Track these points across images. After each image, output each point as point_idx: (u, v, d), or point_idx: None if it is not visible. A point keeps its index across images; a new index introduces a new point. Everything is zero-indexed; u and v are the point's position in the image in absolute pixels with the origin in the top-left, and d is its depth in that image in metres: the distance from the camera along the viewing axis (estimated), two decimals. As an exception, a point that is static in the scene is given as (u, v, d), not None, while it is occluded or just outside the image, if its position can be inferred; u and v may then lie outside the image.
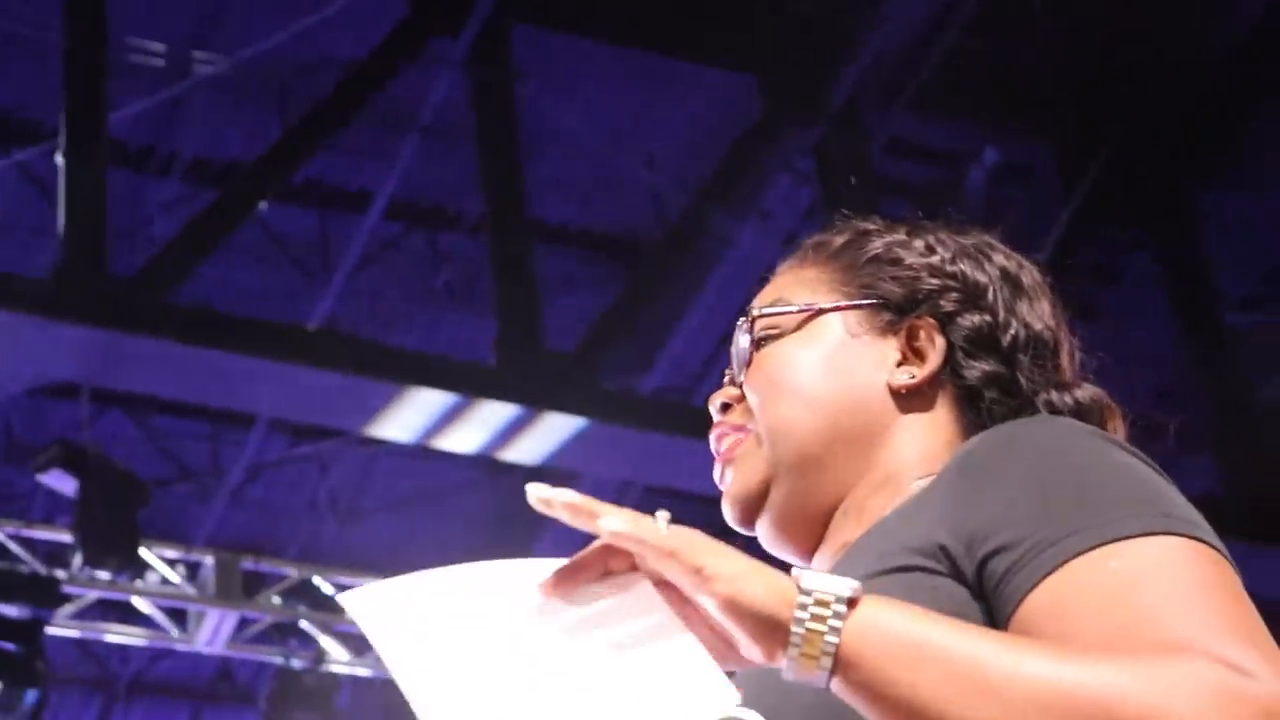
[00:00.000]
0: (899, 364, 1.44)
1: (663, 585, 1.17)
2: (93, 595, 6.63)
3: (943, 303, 1.46)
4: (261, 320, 5.68)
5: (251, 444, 7.29)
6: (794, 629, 1.11)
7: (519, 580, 1.21)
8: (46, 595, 6.33)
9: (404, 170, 6.27)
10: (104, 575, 6.46)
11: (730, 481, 1.46)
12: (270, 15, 5.89)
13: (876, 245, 1.50)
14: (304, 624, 7.06)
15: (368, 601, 1.23)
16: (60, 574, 6.41)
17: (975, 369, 1.44)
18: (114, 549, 6.23)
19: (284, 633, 7.06)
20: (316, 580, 7.05)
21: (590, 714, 1.15)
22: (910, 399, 1.43)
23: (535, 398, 5.63)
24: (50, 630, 6.42)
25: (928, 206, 1.57)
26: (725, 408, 1.49)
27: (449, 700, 1.17)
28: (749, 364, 1.47)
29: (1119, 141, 6.31)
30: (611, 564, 1.19)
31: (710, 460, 1.50)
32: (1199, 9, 6.02)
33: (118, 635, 6.95)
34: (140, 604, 6.82)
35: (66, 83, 5.46)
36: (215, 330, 5.46)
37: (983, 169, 6.53)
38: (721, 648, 1.17)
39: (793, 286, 1.51)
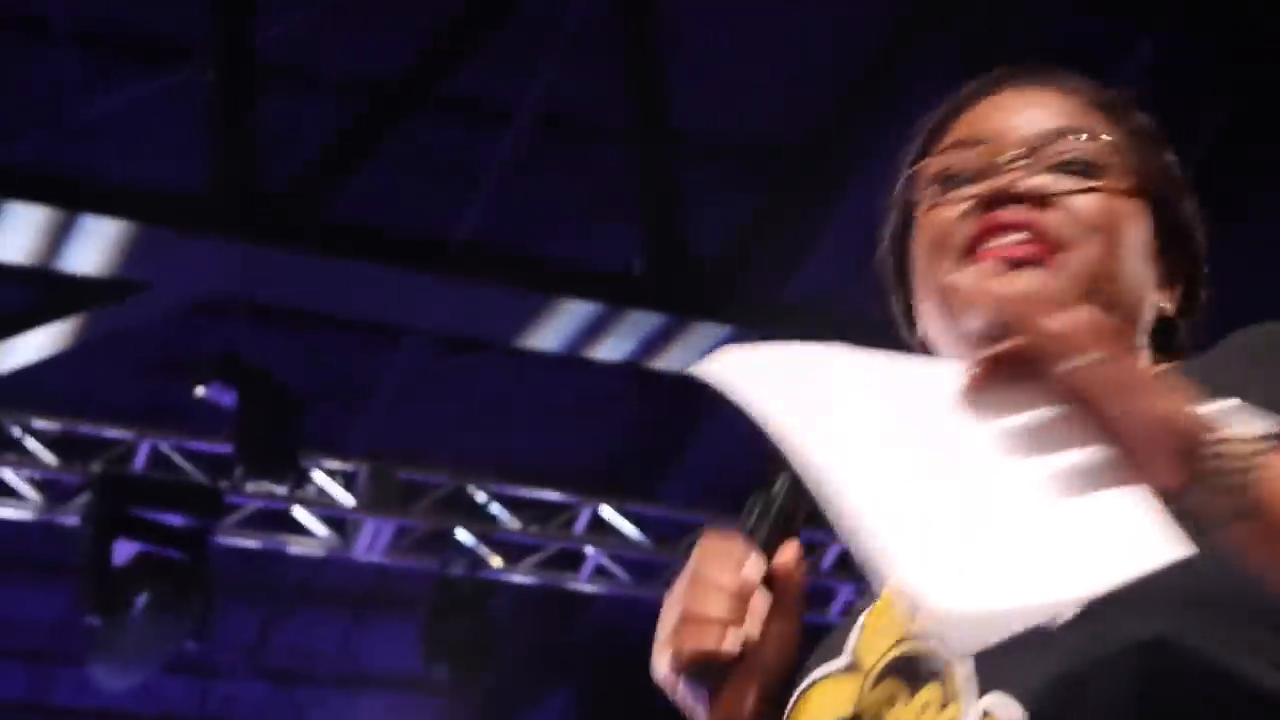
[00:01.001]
0: (1157, 288, 1.45)
1: (1070, 395, 1.11)
2: (254, 506, 6.79)
3: (1194, 248, 1.48)
4: (410, 233, 5.74)
5: (402, 356, 7.38)
6: (1211, 461, 1.08)
7: (907, 368, 1.14)
8: (209, 506, 6.49)
9: (548, 81, 6.27)
10: (265, 486, 6.61)
11: (1029, 278, 1.38)
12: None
13: (1167, 153, 1.49)
14: (459, 533, 7.17)
15: (736, 364, 1.13)
16: (222, 485, 6.57)
17: (1188, 306, 1.47)
18: (273, 460, 6.38)
19: (441, 541, 7.17)
20: (470, 489, 7.16)
21: (1034, 534, 1.08)
22: (1153, 323, 1.45)
23: (682, 306, 5.64)
24: (215, 540, 6.59)
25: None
26: (1022, 200, 1.42)
27: (864, 470, 1.06)
28: (1086, 189, 1.41)
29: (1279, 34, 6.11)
30: (1020, 371, 1.12)
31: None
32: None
33: (283, 544, 7.11)
34: (300, 514, 6.98)
35: (214, 2, 5.54)
36: (365, 244, 5.54)
37: (1137, 62, 6.36)
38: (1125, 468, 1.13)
39: (1109, 147, 1.45)
